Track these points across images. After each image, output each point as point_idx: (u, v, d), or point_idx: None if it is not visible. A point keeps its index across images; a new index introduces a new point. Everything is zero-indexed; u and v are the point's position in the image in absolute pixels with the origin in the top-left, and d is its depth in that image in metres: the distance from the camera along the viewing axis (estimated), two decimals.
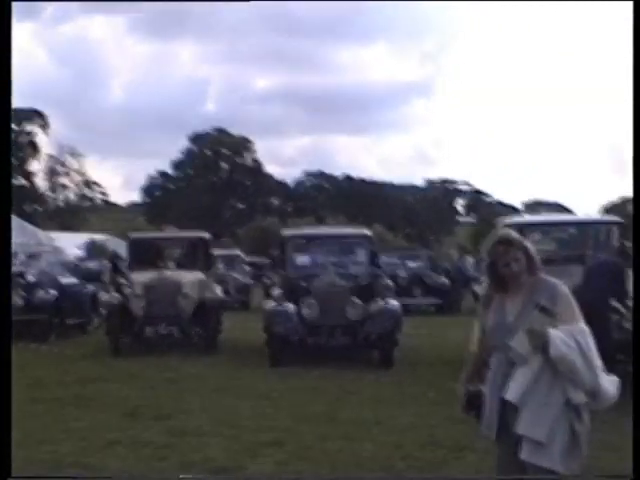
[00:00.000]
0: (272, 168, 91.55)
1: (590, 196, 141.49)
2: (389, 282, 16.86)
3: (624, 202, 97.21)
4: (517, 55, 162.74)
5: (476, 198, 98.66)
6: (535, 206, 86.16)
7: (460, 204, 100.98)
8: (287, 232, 17.80)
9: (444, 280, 27.29)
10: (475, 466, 7.54)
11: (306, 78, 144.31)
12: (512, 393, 4.67)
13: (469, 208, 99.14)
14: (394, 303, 14.62)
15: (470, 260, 31.94)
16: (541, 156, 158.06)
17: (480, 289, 18.89)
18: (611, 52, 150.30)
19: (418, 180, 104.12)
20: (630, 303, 11.38)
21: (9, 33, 5.14)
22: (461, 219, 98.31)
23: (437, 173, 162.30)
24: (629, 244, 13.80)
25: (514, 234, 4.99)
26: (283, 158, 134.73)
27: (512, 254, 4.82)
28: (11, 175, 6.03)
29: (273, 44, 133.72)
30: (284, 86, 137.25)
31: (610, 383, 4.72)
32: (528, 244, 4.92)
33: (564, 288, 4.83)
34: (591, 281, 10.82)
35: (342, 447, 8.60)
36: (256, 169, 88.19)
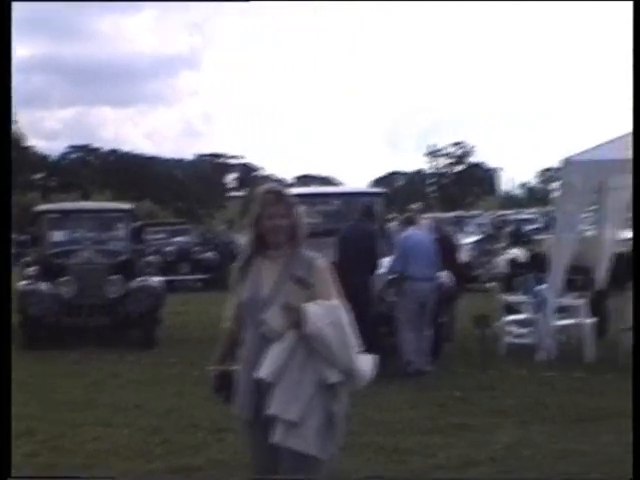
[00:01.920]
0: (35, 141, 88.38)
1: (362, 170, 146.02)
2: (153, 258, 16.36)
3: (391, 175, 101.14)
4: (287, 26, 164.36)
5: (247, 172, 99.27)
6: (306, 180, 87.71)
7: (231, 178, 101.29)
8: (41, 207, 17.01)
9: (212, 255, 26.99)
10: (235, 448, 7.24)
11: (68, 48, 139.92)
12: (264, 371, 4.31)
13: (240, 182, 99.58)
14: (155, 280, 14.18)
15: (239, 235, 31.79)
16: (313, 130, 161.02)
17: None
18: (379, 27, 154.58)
19: (188, 154, 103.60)
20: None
21: (9, 33, 5.16)
22: (232, 193, 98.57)
23: (207, 147, 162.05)
24: (394, 214, 13.97)
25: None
26: (46, 131, 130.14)
27: (281, 208, 4.45)
28: (11, 173, 5.82)
29: (29, 11, 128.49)
30: (44, 56, 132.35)
31: (365, 362, 4.46)
32: (299, 211, 4.54)
33: (322, 262, 4.52)
34: (345, 253, 10.79)
35: (98, 434, 8.20)
36: (17, 142, 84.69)
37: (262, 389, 4.35)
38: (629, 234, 21.29)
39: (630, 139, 11.94)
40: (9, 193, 5.19)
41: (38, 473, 6.97)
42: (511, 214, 62.48)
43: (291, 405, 4.28)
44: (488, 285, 13.66)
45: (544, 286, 12.37)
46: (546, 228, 42.71)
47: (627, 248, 21.12)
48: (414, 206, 12.53)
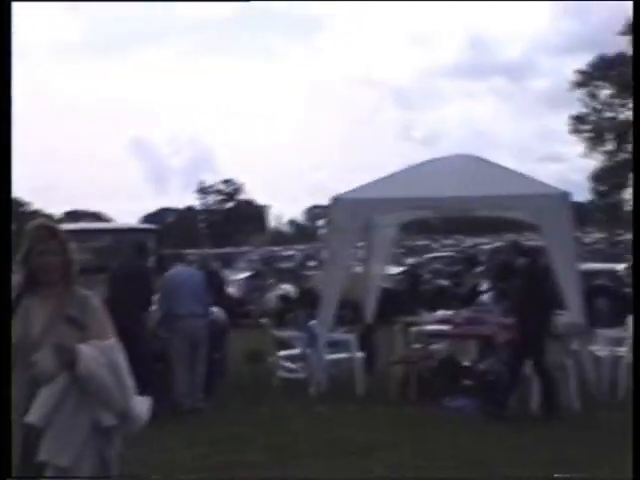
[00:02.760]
0: None
1: (131, 206, 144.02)
2: None
3: (162, 211, 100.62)
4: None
5: (15, 206, 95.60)
6: (76, 215, 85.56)
7: None
8: None
9: None
10: None
11: None
12: (34, 415, 4.10)
13: None
14: None
15: None
16: (82, 164, 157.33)
17: None
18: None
19: None
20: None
21: (9, 33, 5.06)
22: None
23: None
24: (166, 250, 13.82)
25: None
26: None
27: (53, 244, 4.27)
28: (11, 173, 5.43)
29: None
30: None
31: (141, 404, 4.35)
32: (71, 247, 4.38)
33: (96, 301, 4.37)
34: (117, 291, 10.57)
35: None
36: None
37: (33, 434, 4.16)
38: (394, 270, 22.17)
39: (396, 178, 12.49)
40: (9, 193, 5.00)
41: None
42: (280, 250, 63.34)
43: (62, 450, 4.10)
44: (261, 321, 13.69)
45: (315, 321, 12.59)
46: (314, 264, 43.71)
47: (392, 284, 21.99)
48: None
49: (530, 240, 51.51)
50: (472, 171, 12.48)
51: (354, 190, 12.27)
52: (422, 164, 12.93)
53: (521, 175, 12.22)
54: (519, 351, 10.37)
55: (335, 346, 12.59)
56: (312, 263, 45.35)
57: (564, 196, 11.50)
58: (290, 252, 54.87)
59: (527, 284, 10.70)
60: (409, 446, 8.78)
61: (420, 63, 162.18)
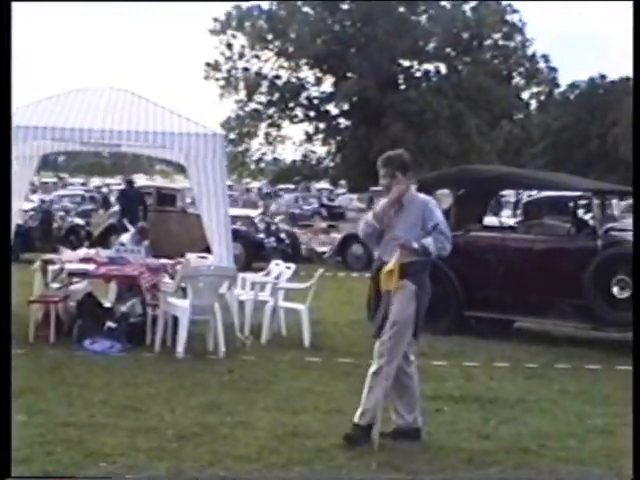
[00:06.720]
0: None
1: None
2: None
3: None
4: None
5: None
6: None
7: None
8: None
9: None
10: None
11: None
12: None
13: None
14: None
15: None
16: None
17: None
18: None
19: None
20: None
21: (9, 33, 5.19)
22: None
23: None
24: None
25: None
26: None
27: None
28: (10, 167, 4.06)
29: None
30: None
31: None
32: None
33: None
34: None
35: None
36: None
37: None
38: (25, 205, 20.96)
39: (39, 106, 11.69)
40: (9, 193, 5.22)
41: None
42: None
43: None
44: None
45: None
46: None
47: (23, 220, 20.82)
48: None
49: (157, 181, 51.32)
50: (122, 105, 11.96)
51: None
52: (69, 93, 12.17)
53: (173, 113, 11.86)
54: None
55: None
56: None
57: (216, 137, 11.34)
58: None
59: None
60: (52, 391, 8.19)
61: None
